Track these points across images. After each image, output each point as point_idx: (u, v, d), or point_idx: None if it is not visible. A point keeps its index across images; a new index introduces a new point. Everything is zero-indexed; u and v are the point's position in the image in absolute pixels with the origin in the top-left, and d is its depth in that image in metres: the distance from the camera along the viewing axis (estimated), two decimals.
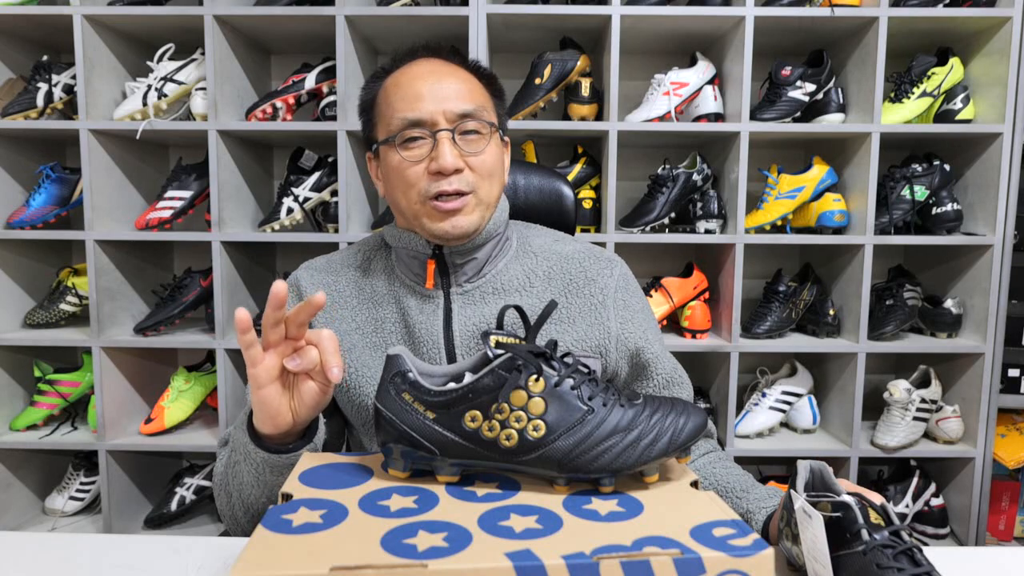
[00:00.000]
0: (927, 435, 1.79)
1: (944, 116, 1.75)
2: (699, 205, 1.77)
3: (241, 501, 0.78)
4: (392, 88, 0.85)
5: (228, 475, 0.80)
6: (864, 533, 0.57)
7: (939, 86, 1.72)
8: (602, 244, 1.67)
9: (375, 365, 0.88)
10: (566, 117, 1.78)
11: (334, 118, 1.70)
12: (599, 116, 1.77)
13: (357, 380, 0.88)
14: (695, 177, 1.79)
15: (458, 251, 0.86)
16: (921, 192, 1.73)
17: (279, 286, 0.64)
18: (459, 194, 0.82)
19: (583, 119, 1.75)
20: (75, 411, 1.87)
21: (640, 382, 0.91)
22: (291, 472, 0.72)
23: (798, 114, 1.72)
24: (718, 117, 1.74)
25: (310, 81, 1.74)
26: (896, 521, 0.59)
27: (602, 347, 0.88)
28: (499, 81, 0.92)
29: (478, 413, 0.60)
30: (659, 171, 1.80)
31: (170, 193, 1.75)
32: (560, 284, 0.89)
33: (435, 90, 0.82)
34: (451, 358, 0.86)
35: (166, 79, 1.70)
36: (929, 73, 1.72)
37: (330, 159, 1.79)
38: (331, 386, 0.70)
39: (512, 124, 1.66)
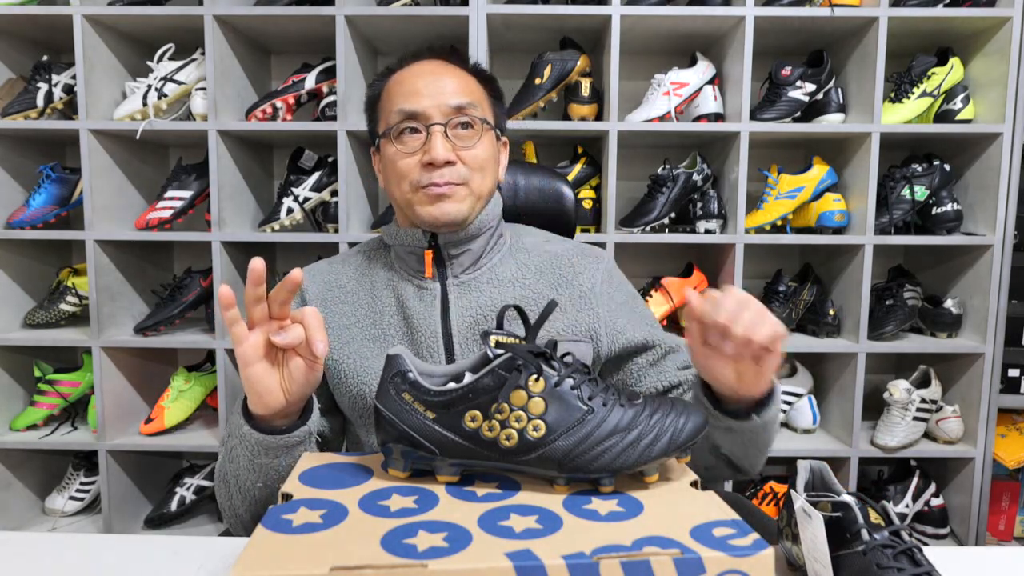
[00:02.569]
0: (927, 435, 1.79)
1: (944, 116, 1.75)
2: (699, 205, 1.77)
3: (238, 488, 0.79)
4: (394, 85, 0.90)
5: (226, 463, 0.81)
6: (864, 533, 0.57)
7: (939, 86, 1.72)
8: (602, 244, 1.67)
9: (373, 356, 0.89)
10: (566, 117, 1.78)
11: (334, 118, 1.70)
12: (599, 116, 1.77)
13: (356, 371, 0.89)
14: (695, 177, 1.79)
15: (452, 242, 0.90)
16: (921, 192, 1.73)
17: (256, 262, 0.66)
18: (449, 184, 0.86)
19: (583, 119, 1.75)
20: (75, 411, 1.87)
21: (643, 355, 0.93)
22: (289, 465, 0.73)
23: (798, 114, 1.72)
24: (718, 117, 1.74)
25: (310, 81, 1.74)
26: (896, 521, 0.59)
27: (592, 331, 0.91)
28: (498, 83, 0.96)
29: (478, 413, 0.60)
30: (659, 171, 1.80)
31: (170, 193, 1.75)
32: (550, 278, 0.94)
33: (432, 86, 0.86)
34: (448, 348, 0.89)
35: (166, 79, 1.70)
36: (929, 73, 1.72)
37: (330, 159, 1.79)
38: (319, 362, 0.71)
39: (512, 124, 1.66)
